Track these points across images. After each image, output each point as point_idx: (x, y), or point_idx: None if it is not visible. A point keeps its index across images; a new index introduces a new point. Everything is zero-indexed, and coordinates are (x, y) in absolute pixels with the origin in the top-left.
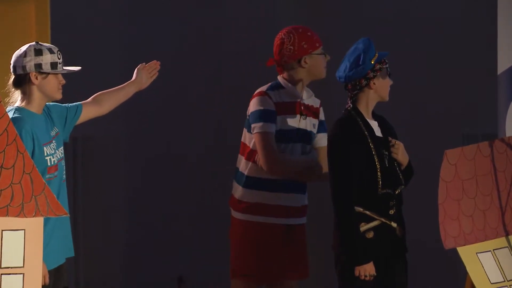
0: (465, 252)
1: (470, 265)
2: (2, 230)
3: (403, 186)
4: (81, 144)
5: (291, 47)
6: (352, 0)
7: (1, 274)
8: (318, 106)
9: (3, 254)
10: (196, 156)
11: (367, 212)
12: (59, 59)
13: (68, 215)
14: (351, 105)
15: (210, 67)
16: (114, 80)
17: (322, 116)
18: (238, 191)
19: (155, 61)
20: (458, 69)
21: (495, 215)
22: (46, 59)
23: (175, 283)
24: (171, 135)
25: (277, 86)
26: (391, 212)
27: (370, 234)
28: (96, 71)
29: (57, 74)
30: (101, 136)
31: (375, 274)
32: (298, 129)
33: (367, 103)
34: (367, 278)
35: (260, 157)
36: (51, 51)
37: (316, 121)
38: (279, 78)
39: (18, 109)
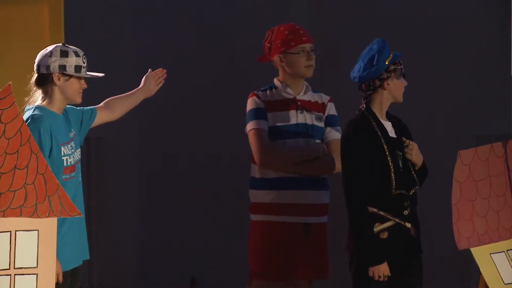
0: (479, 253)
1: (484, 266)
2: (15, 231)
3: (417, 187)
4: (94, 145)
5: (268, 44)
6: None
7: (15, 274)
8: (324, 101)
9: (17, 255)
10: (207, 157)
11: (381, 213)
12: (84, 63)
13: (82, 215)
14: (365, 106)
15: (221, 69)
16: (128, 82)
17: (332, 111)
18: (252, 194)
19: (161, 68)
20: (471, 69)
21: (509, 216)
22: (71, 61)
23: (188, 284)
24: (183, 137)
25: (270, 87)
26: (406, 212)
27: (385, 235)
28: (110, 72)
29: (80, 78)
30: (113, 138)
31: (389, 274)
32: (297, 124)
33: (381, 103)
34: (381, 279)
35: (253, 153)
36: (76, 54)
37: (320, 115)
38: (275, 79)
39: (38, 108)
